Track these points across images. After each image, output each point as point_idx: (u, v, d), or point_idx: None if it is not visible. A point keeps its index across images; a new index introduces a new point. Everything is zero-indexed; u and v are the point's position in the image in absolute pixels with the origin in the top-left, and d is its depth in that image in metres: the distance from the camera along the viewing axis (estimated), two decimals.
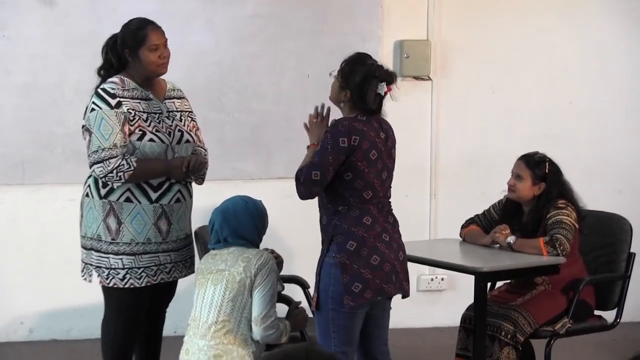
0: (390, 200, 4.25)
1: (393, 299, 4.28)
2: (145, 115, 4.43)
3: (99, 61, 4.58)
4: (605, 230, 5.14)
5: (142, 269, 4.43)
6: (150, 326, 4.68)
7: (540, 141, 5.90)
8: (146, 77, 4.49)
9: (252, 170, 6.37)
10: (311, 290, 4.98)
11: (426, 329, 6.55)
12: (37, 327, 6.29)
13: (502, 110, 6.69)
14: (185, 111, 4.65)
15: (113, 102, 4.37)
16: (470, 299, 4.77)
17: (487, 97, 6.68)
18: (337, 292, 4.06)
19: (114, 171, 4.32)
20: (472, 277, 4.64)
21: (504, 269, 4.68)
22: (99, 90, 4.41)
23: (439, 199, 6.66)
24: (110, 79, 4.44)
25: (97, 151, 4.34)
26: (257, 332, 4.02)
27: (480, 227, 5.05)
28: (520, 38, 6.69)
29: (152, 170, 4.42)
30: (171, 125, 4.51)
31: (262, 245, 4.30)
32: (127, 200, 4.40)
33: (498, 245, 4.85)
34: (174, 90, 4.66)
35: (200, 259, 4.44)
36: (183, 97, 4.69)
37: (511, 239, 4.78)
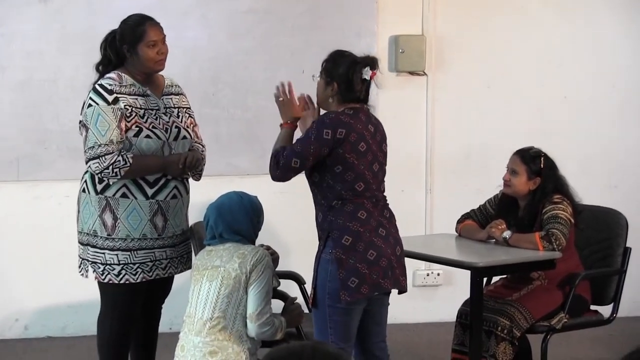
0: (385, 195, 4.25)
1: (391, 294, 4.28)
2: (142, 112, 4.42)
3: (94, 57, 4.57)
4: (601, 225, 5.14)
5: (137, 265, 4.43)
6: (146, 322, 4.67)
7: (536, 136, 5.90)
8: (144, 73, 4.48)
9: (247, 166, 6.35)
10: (307, 287, 4.99)
11: (422, 324, 6.55)
12: (32, 324, 6.28)
13: (497, 105, 6.69)
14: (183, 107, 4.64)
15: (110, 98, 4.36)
16: (466, 294, 4.77)
17: (483, 92, 6.68)
18: (334, 288, 4.06)
19: (110, 167, 4.31)
20: (468, 272, 4.64)
21: (500, 264, 4.68)
22: (96, 86, 4.40)
23: (435, 194, 6.66)
24: (107, 75, 4.44)
25: (93, 147, 4.34)
26: (252, 328, 4.02)
27: (476, 222, 5.05)
28: (516, 33, 6.69)
29: (149, 167, 4.41)
30: (168, 122, 4.50)
31: (258, 241, 4.29)
32: (123, 195, 4.40)
33: (494, 240, 4.85)
34: (172, 86, 4.65)
35: (195, 255, 4.43)
36: (181, 93, 4.68)
37: (507, 233, 4.78)
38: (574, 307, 4.83)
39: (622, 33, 6.82)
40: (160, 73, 4.59)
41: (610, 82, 6.82)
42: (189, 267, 4.61)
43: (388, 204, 4.25)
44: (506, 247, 4.76)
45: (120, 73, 4.44)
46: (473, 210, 5.12)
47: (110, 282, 4.42)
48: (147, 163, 4.40)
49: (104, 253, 4.41)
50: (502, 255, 4.70)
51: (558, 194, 4.82)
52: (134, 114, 4.39)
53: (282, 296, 4.41)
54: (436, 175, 6.67)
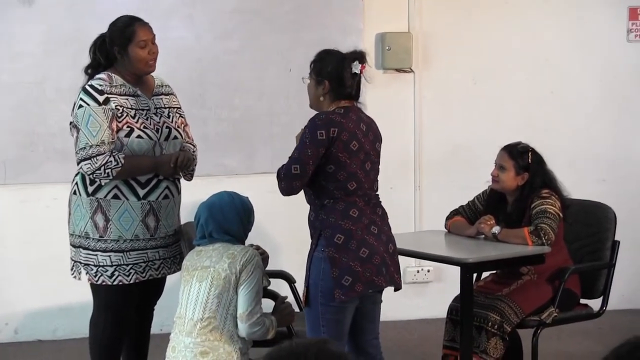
0: (377, 193, 4.25)
1: (384, 292, 4.27)
2: (133, 112, 4.41)
3: (80, 59, 4.56)
4: (589, 219, 5.15)
5: (130, 266, 4.42)
6: (139, 324, 4.66)
7: (523, 131, 5.91)
8: (135, 75, 4.47)
9: (236, 165, 6.35)
10: (297, 286, 4.98)
11: (413, 321, 6.55)
12: (22, 328, 6.26)
13: (484, 101, 6.70)
14: (174, 107, 4.64)
15: (101, 98, 4.35)
16: (456, 290, 4.78)
17: (470, 88, 6.69)
18: (327, 287, 4.05)
19: (102, 168, 4.30)
20: (458, 269, 4.64)
21: (489, 259, 4.68)
22: (87, 87, 4.39)
23: (424, 191, 6.67)
24: (97, 76, 4.42)
25: (84, 148, 4.32)
26: (242, 328, 4.01)
27: (465, 218, 5.05)
28: (502, 29, 6.70)
29: (140, 167, 4.40)
30: (159, 122, 4.50)
31: (248, 241, 4.29)
32: (115, 197, 4.39)
33: (483, 236, 4.86)
34: (162, 86, 4.64)
35: (185, 255, 4.42)
36: (171, 93, 4.67)
37: (496, 229, 4.78)
38: (564, 301, 4.84)
39: (608, 27, 6.83)
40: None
41: (597, 77, 6.83)
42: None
43: (380, 202, 4.25)
44: (495, 243, 4.77)
45: (110, 73, 4.43)
46: (462, 206, 5.12)
47: (104, 283, 4.41)
48: (139, 163, 4.39)
49: (96, 255, 4.40)
50: (492, 251, 4.71)
51: (546, 189, 4.83)
52: (125, 114, 4.38)
53: (273, 295, 4.41)
54: (425, 172, 6.67)
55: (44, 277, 6.05)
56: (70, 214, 4.50)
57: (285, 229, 6.13)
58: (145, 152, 4.41)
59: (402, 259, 4.55)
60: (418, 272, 6.67)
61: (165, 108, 4.58)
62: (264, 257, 4.31)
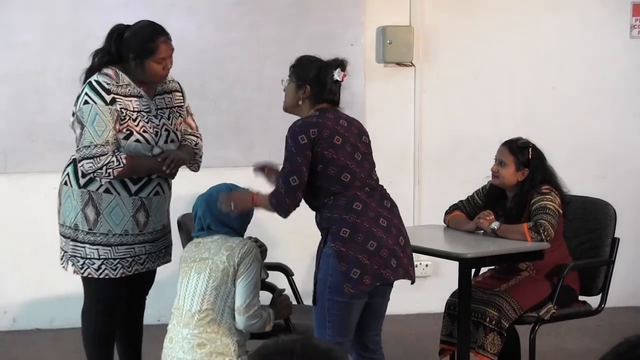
0: (380, 184, 4.23)
1: (397, 285, 4.24)
2: (134, 115, 4.39)
3: (80, 49, 4.54)
4: (589, 215, 5.14)
5: (117, 260, 4.41)
6: (131, 314, 4.66)
7: (524, 127, 5.90)
8: (142, 82, 4.45)
9: (235, 157, 6.34)
10: (295, 278, 4.98)
11: (411, 315, 6.55)
12: (20, 317, 6.26)
13: (485, 96, 6.69)
14: (175, 107, 4.60)
15: (108, 98, 4.32)
16: (454, 285, 4.77)
17: (470, 83, 6.67)
18: (336, 281, 4.03)
19: (104, 168, 4.28)
20: (456, 264, 4.63)
21: (488, 255, 4.68)
22: (94, 83, 4.34)
23: (423, 186, 6.66)
24: (104, 71, 4.37)
25: (89, 147, 4.29)
26: (240, 321, 4.01)
27: (464, 213, 5.04)
28: (503, 23, 6.68)
29: (140, 168, 4.40)
30: (158, 125, 4.48)
31: (246, 233, 4.28)
32: (107, 191, 4.38)
33: (482, 231, 4.85)
34: (168, 82, 4.59)
35: (183, 247, 4.42)
36: (176, 90, 4.63)
37: (495, 224, 4.77)
38: (562, 297, 4.83)
39: (611, 23, 6.81)
40: None
41: (600, 73, 6.82)
42: (168, 261, 4.62)
43: (388, 194, 4.23)
44: (494, 238, 4.76)
45: (117, 71, 4.39)
46: (461, 201, 5.11)
47: (90, 276, 4.41)
48: (140, 164, 4.38)
49: (84, 247, 4.40)
50: (491, 246, 4.70)
51: (546, 185, 4.82)
52: (127, 118, 4.36)
53: (271, 288, 4.41)
54: (424, 167, 6.66)
55: (43, 266, 6.04)
56: (60, 204, 4.48)
57: (283, 222, 6.08)
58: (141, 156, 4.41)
59: None
60: (416, 266, 6.63)
61: (166, 109, 4.55)
62: (263, 249, 4.30)
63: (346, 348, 4.15)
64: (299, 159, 4.05)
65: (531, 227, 4.68)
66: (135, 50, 4.37)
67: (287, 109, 4.28)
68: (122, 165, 4.29)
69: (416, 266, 6.62)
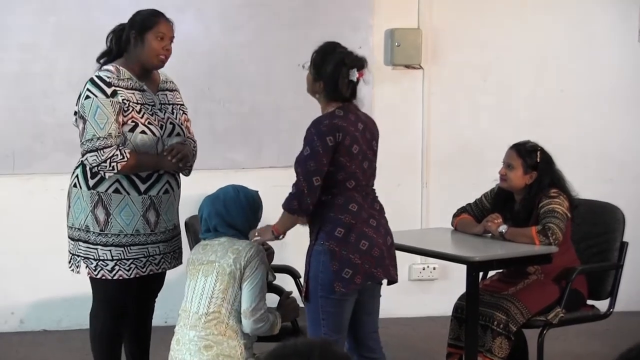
0: (374, 188, 4.25)
1: (388, 289, 4.27)
2: (138, 107, 4.39)
3: (89, 51, 4.54)
4: (597, 219, 5.12)
5: (131, 261, 4.41)
6: (139, 316, 4.66)
7: (532, 130, 5.89)
8: (143, 67, 4.45)
9: (243, 160, 6.34)
10: (302, 280, 4.97)
11: (418, 318, 6.54)
12: (27, 318, 6.27)
13: (493, 99, 6.68)
14: (177, 104, 4.62)
15: (109, 90, 4.33)
16: (462, 289, 4.76)
17: (479, 86, 6.67)
18: (327, 279, 4.06)
19: (108, 161, 4.29)
20: (464, 267, 4.62)
21: (496, 258, 4.67)
22: (94, 78, 4.36)
23: (431, 188, 6.65)
24: (105, 67, 4.41)
25: (91, 140, 4.30)
26: (246, 324, 4.00)
27: (472, 216, 5.04)
28: (511, 26, 6.68)
29: (145, 163, 4.39)
30: (163, 118, 4.48)
31: None
32: (116, 191, 4.37)
33: (490, 234, 4.84)
34: (166, 82, 4.63)
35: (191, 249, 4.42)
36: (175, 90, 4.66)
37: (503, 228, 4.76)
38: (570, 301, 4.82)
39: (619, 27, 6.80)
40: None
41: (607, 76, 6.81)
42: (181, 263, 4.60)
43: (377, 197, 4.26)
44: (502, 242, 4.75)
45: (117, 66, 4.41)
46: (469, 204, 5.10)
47: (103, 277, 4.40)
48: (144, 160, 4.37)
49: (96, 249, 4.39)
50: (498, 250, 4.69)
51: (554, 188, 4.81)
52: (130, 109, 4.36)
53: (278, 290, 4.40)
54: (432, 169, 6.66)
55: (50, 267, 6.05)
56: (69, 206, 4.48)
57: None
58: (149, 148, 4.40)
59: (407, 256, 4.56)
60: (424, 269, 6.65)
61: (169, 104, 4.56)
62: (270, 252, 4.30)
63: (343, 343, 4.18)
64: (325, 160, 4.04)
65: (539, 230, 4.67)
66: (136, 26, 4.41)
67: (309, 93, 4.28)
68: (125, 159, 4.29)
69: (423, 269, 6.64)
